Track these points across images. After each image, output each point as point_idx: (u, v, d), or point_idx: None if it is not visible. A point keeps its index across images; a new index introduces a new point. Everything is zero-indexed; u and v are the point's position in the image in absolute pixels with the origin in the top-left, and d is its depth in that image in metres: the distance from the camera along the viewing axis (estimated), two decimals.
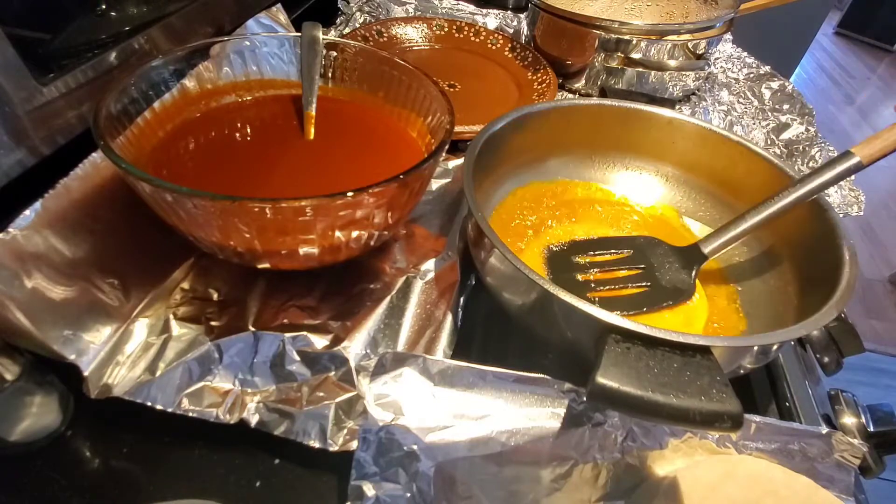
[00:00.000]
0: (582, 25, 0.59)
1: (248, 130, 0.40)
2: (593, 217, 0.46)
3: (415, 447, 0.28)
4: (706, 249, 0.39)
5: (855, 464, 0.30)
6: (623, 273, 0.40)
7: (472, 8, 0.79)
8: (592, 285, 0.39)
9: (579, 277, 0.39)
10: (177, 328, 0.34)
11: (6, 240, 0.27)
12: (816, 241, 0.37)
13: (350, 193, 0.28)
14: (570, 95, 0.66)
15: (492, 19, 0.78)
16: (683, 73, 0.61)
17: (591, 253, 0.41)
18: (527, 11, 0.69)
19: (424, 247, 0.41)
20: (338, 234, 0.31)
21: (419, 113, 0.41)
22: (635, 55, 0.60)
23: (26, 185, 0.30)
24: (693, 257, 0.40)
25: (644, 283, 0.39)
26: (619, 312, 0.36)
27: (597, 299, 0.38)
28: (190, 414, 0.31)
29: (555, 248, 0.41)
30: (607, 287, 0.38)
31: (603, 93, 0.64)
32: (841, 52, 3.10)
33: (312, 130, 0.40)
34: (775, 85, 0.69)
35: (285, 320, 0.35)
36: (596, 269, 0.40)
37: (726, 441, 0.30)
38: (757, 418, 0.30)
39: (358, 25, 0.71)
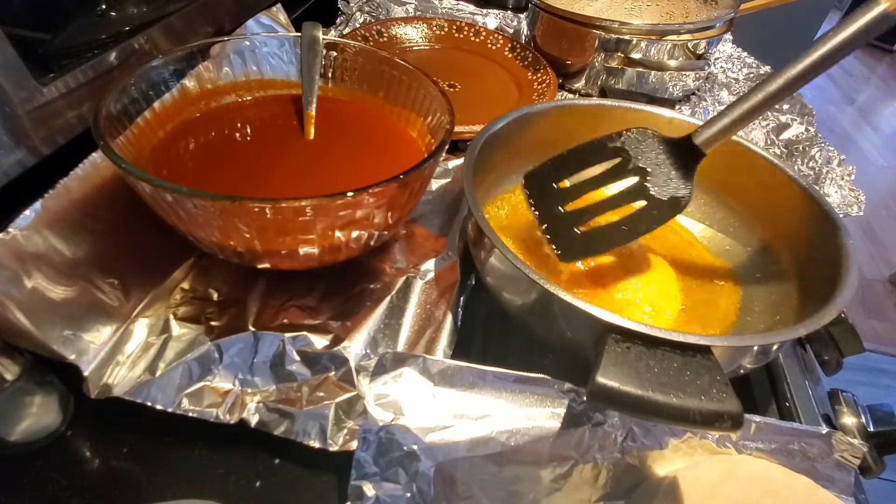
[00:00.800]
0: (582, 25, 0.59)
1: (248, 130, 0.40)
2: None
3: (415, 447, 0.28)
4: (698, 139, 0.33)
5: (855, 464, 0.30)
6: (613, 192, 0.35)
7: (472, 8, 0.79)
8: (583, 216, 0.35)
9: (564, 209, 0.35)
10: (177, 328, 0.34)
11: (6, 240, 0.27)
12: (816, 242, 0.37)
13: (350, 193, 0.28)
14: (570, 95, 0.66)
15: (492, 19, 0.78)
16: (683, 73, 0.61)
17: (574, 171, 0.36)
18: (527, 11, 0.69)
19: (424, 247, 0.41)
20: (338, 234, 0.31)
21: (419, 113, 0.41)
22: (635, 55, 0.60)
23: (26, 185, 0.30)
24: (688, 152, 0.34)
25: (638, 201, 0.34)
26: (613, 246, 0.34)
27: (588, 234, 0.34)
28: (190, 414, 0.31)
29: (534, 173, 0.36)
30: (599, 214, 0.34)
31: (603, 93, 0.64)
32: None
33: (312, 130, 0.40)
34: None
35: (285, 320, 0.35)
36: (583, 192, 0.35)
37: (726, 441, 0.30)
38: (757, 418, 0.30)
39: (358, 25, 0.71)
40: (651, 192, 0.34)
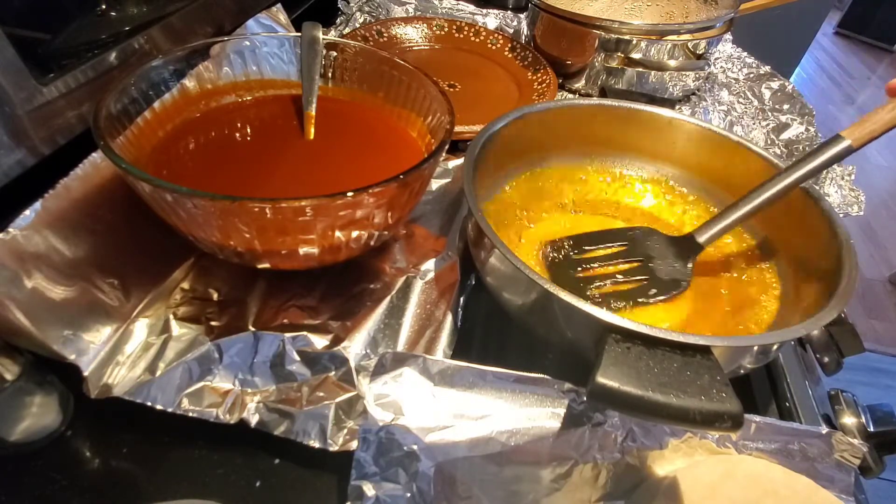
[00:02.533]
0: (582, 25, 0.59)
1: (248, 130, 0.40)
2: (591, 214, 0.46)
3: (415, 447, 0.28)
4: (701, 239, 0.39)
5: (855, 464, 0.30)
6: (621, 267, 0.40)
7: (472, 8, 0.79)
8: (593, 282, 0.39)
9: (578, 274, 0.39)
10: (177, 328, 0.34)
11: (6, 240, 0.27)
12: (816, 242, 0.37)
13: (350, 193, 0.28)
14: (570, 95, 0.66)
15: (492, 19, 0.78)
16: (683, 73, 0.61)
17: (589, 248, 0.41)
18: (527, 11, 0.69)
19: (424, 247, 0.41)
20: (338, 234, 0.31)
21: (419, 113, 0.41)
22: (635, 55, 0.60)
23: (26, 185, 0.30)
24: (689, 247, 0.40)
25: (641, 277, 0.39)
26: (621, 306, 0.36)
27: (599, 296, 0.38)
28: (190, 414, 0.31)
29: (552, 245, 0.41)
30: (607, 283, 0.39)
31: (603, 93, 0.64)
32: (841, 52, 3.10)
33: (312, 130, 0.40)
34: (775, 85, 0.69)
35: (285, 320, 0.35)
36: (594, 265, 0.40)
37: (726, 441, 0.30)
38: (757, 418, 0.30)
39: (358, 25, 0.71)
40: (654, 271, 0.39)
